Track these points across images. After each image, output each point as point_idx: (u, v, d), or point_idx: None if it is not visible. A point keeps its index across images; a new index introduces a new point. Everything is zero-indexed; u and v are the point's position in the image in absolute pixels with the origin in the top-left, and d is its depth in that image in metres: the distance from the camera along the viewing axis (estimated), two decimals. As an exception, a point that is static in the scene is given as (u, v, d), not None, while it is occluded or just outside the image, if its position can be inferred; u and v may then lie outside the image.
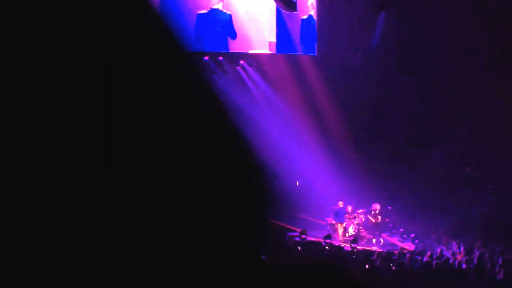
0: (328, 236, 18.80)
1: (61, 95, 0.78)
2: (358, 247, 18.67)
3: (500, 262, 14.54)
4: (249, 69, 23.60)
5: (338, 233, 20.63)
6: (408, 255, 16.01)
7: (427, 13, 23.08)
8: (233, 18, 21.30)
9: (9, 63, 0.77)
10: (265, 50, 22.09)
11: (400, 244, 19.64)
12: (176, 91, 0.87)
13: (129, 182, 0.80)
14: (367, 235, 20.71)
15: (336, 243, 19.05)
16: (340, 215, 20.86)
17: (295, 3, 20.65)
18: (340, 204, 21.09)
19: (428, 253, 15.86)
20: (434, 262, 14.67)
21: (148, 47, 0.85)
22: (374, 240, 20.27)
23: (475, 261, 14.85)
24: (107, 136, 0.79)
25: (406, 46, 23.68)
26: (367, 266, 14.62)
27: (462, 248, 17.11)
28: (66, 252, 0.76)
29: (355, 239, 19.07)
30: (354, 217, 20.92)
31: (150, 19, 0.88)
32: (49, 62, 0.78)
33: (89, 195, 0.78)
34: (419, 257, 15.47)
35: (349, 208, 21.10)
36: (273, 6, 21.36)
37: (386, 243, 20.19)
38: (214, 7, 20.88)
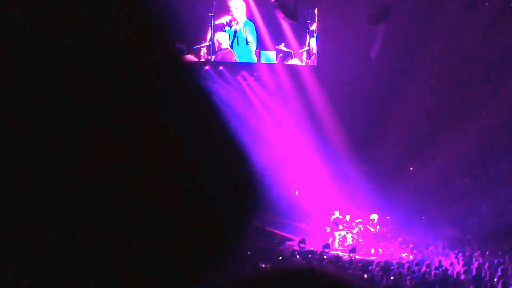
0: (327, 245, 18.77)
1: (62, 97, 0.77)
2: (357, 256, 18.64)
3: (499, 272, 14.50)
4: (250, 79, 23.65)
5: (334, 241, 20.58)
6: (406, 265, 15.97)
7: (425, 22, 23.13)
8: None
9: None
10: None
11: (399, 254, 19.59)
12: (175, 98, 0.87)
13: (122, 185, 0.79)
14: (366, 244, 20.64)
15: (333, 251, 19.05)
16: (336, 224, 20.82)
17: (295, 13, 20.71)
18: (336, 213, 21.06)
19: (427, 263, 15.82)
20: (433, 272, 14.63)
21: (148, 52, 0.84)
22: (372, 250, 20.21)
23: (474, 272, 14.80)
24: (104, 137, 0.79)
25: (404, 55, 23.74)
26: (365, 275, 14.59)
27: (460, 259, 17.07)
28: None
29: (353, 249, 19.03)
30: (353, 227, 20.87)
31: (151, 24, 0.87)
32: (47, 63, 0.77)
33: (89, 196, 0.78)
34: (418, 267, 15.43)
35: (348, 217, 21.06)
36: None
37: (384, 253, 20.13)
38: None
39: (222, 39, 22.18)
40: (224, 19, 22.04)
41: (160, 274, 0.86)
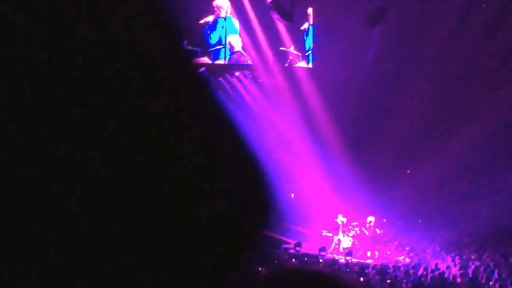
0: (323, 249, 18.77)
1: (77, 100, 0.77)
2: (353, 259, 18.65)
3: (496, 275, 14.51)
4: (245, 81, 23.64)
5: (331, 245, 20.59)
6: (402, 268, 15.99)
7: (423, 23, 23.16)
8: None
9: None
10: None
11: (395, 257, 19.61)
12: (179, 101, 0.86)
13: (131, 185, 0.79)
14: (362, 247, 20.65)
15: (329, 254, 19.05)
16: (337, 228, 20.85)
17: (292, 14, 20.73)
18: (340, 216, 21.07)
19: (423, 267, 15.83)
20: (429, 275, 14.64)
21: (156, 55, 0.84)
22: (368, 253, 20.23)
23: (470, 275, 14.82)
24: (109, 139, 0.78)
25: (401, 57, 23.79)
26: (361, 279, 14.58)
27: (457, 262, 17.09)
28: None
29: (349, 252, 19.04)
30: (349, 230, 20.89)
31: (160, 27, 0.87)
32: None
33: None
34: (414, 271, 15.44)
35: (344, 220, 21.07)
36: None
37: (380, 256, 20.16)
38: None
39: (235, 41, 22.04)
40: (208, 19, 21.79)
41: (166, 277, 0.84)
